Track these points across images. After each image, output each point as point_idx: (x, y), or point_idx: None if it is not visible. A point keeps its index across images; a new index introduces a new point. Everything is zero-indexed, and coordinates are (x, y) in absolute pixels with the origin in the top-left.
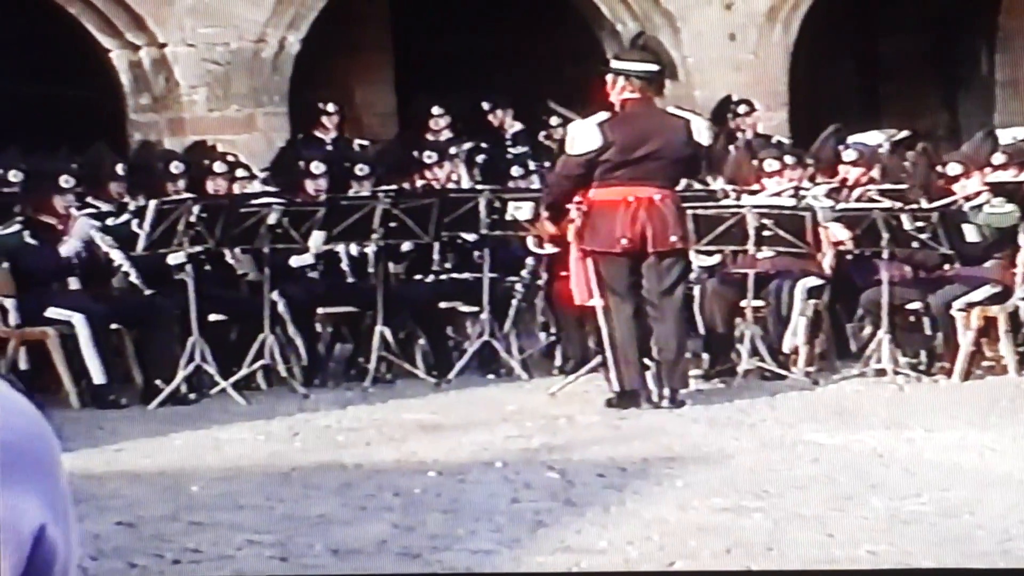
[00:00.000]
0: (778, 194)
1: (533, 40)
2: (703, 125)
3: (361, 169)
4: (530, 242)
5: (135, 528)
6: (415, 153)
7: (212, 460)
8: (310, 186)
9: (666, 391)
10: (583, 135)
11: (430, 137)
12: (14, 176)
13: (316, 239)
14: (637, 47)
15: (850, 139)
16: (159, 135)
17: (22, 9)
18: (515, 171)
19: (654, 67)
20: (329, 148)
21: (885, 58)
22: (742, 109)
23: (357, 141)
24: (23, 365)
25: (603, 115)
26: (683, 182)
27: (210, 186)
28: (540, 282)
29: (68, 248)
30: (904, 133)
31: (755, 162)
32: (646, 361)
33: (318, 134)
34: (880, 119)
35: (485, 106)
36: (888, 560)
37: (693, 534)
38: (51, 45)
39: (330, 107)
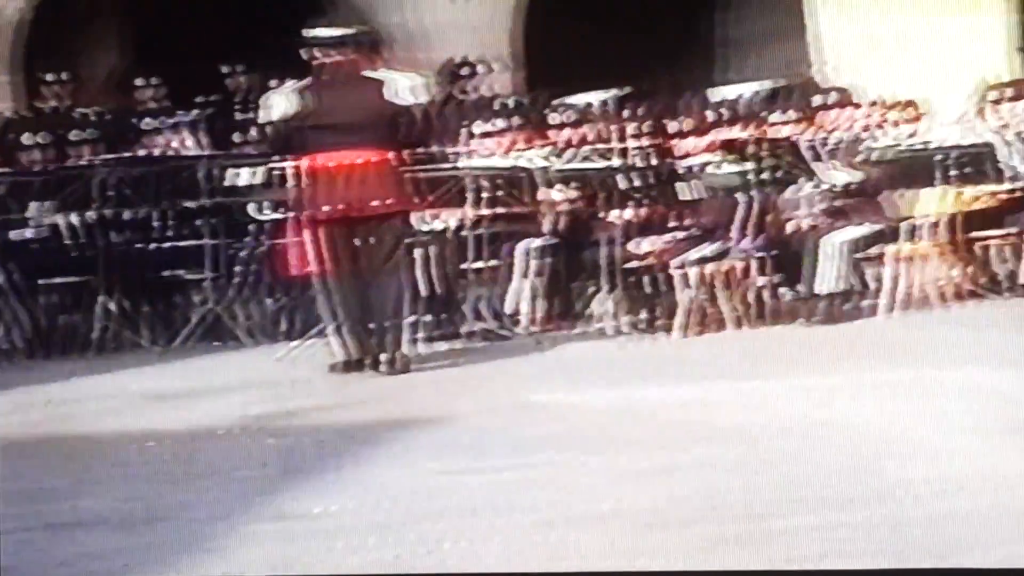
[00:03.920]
0: (490, 156)
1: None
2: (407, 84)
3: (89, 134)
4: (251, 208)
5: None
6: (134, 121)
7: None
8: (24, 159)
9: (386, 356)
10: (280, 101)
11: (152, 106)
12: None
13: (34, 210)
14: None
15: (561, 100)
16: None
17: None
18: (236, 137)
19: (343, 31)
20: (57, 118)
21: (614, 18)
22: (464, 71)
23: (80, 110)
24: None
25: (304, 81)
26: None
27: None
28: (264, 248)
29: None
30: (625, 90)
31: (465, 124)
32: (368, 327)
33: (47, 104)
34: (609, 78)
35: (224, 70)
36: (618, 514)
37: (418, 496)
38: None
39: (60, 76)
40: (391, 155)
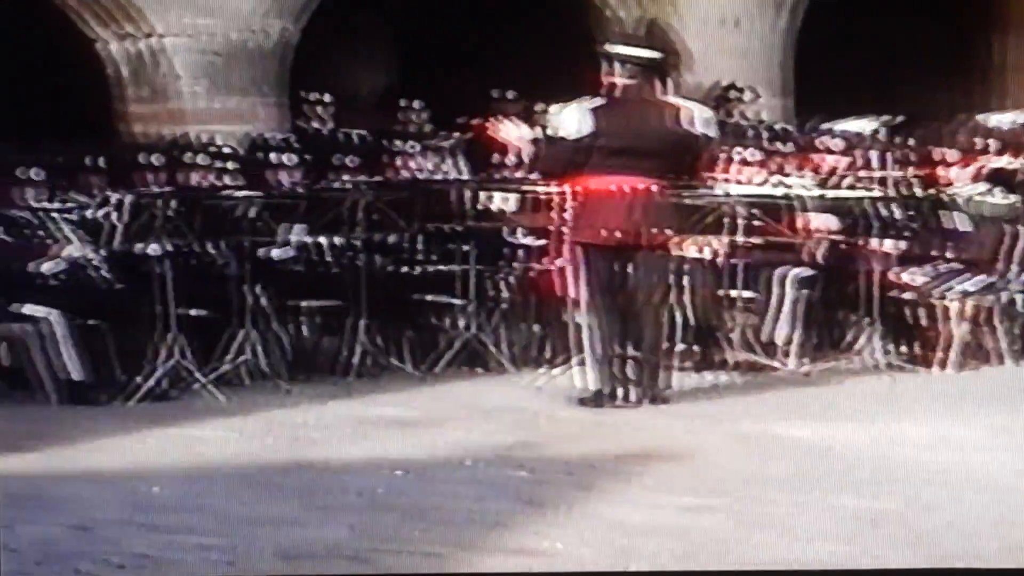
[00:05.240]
0: (756, 183)
1: (536, 27)
2: (705, 115)
3: (352, 160)
4: (511, 233)
5: (87, 532)
6: (395, 143)
7: (179, 459)
8: (281, 179)
9: (643, 390)
10: (573, 118)
11: (412, 129)
12: None
13: (297, 232)
14: (636, 33)
15: (836, 126)
16: (153, 127)
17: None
18: (495, 159)
19: (650, 54)
20: (323, 139)
21: (893, 44)
22: (732, 95)
23: (353, 132)
24: (4, 362)
25: (597, 100)
26: None
27: (192, 179)
28: (526, 273)
29: (49, 267)
30: (899, 118)
31: (727, 150)
32: (626, 359)
33: (315, 125)
34: (886, 105)
35: (494, 94)
36: (849, 561)
37: (652, 535)
38: (32, 35)
39: (324, 97)
40: (664, 184)
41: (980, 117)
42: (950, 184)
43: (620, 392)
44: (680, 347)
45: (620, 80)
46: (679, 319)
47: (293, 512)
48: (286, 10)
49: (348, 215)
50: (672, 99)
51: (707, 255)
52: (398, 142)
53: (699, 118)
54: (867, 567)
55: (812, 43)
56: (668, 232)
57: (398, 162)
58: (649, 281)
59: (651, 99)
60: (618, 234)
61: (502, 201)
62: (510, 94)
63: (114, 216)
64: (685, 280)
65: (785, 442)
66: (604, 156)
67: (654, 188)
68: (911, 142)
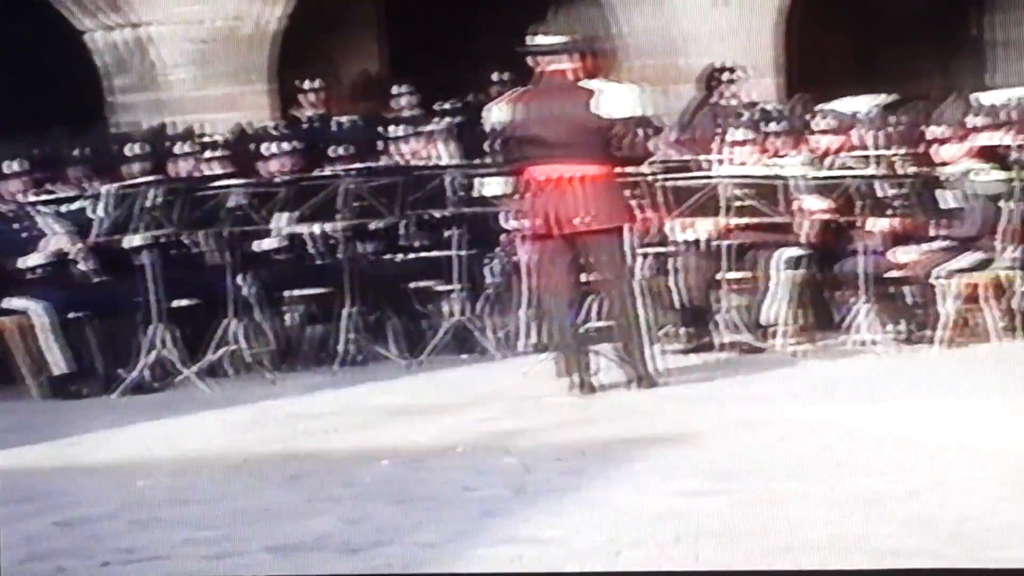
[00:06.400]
0: (744, 164)
1: (526, 15)
2: (627, 96)
3: (345, 149)
4: (502, 218)
5: (72, 528)
6: (381, 129)
7: (164, 452)
8: (267, 168)
9: (630, 375)
10: (492, 112)
11: (404, 114)
12: None
13: (280, 221)
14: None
15: (827, 106)
16: (142, 116)
17: None
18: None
19: (557, 39)
20: (311, 127)
21: (880, 21)
22: (724, 76)
23: (341, 119)
24: None
25: (518, 91)
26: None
27: (172, 169)
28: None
29: (32, 261)
30: (892, 97)
31: (718, 131)
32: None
33: (301, 113)
34: (875, 84)
35: (494, 77)
36: (846, 543)
37: (645, 520)
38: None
39: (313, 84)
40: (607, 169)
41: (972, 95)
42: (943, 163)
43: (595, 381)
44: (668, 329)
45: (543, 68)
46: (667, 301)
47: (282, 503)
48: None
49: (334, 203)
50: (593, 84)
51: (695, 237)
52: (391, 128)
53: (608, 100)
54: (867, 567)
55: (803, 21)
56: (577, 222)
57: (391, 148)
58: (605, 267)
59: (566, 85)
60: (552, 222)
61: (484, 186)
62: (506, 76)
63: (99, 207)
64: (675, 262)
65: (780, 424)
66: (523, 146)
67: (588, 174)
68: (903, 120)
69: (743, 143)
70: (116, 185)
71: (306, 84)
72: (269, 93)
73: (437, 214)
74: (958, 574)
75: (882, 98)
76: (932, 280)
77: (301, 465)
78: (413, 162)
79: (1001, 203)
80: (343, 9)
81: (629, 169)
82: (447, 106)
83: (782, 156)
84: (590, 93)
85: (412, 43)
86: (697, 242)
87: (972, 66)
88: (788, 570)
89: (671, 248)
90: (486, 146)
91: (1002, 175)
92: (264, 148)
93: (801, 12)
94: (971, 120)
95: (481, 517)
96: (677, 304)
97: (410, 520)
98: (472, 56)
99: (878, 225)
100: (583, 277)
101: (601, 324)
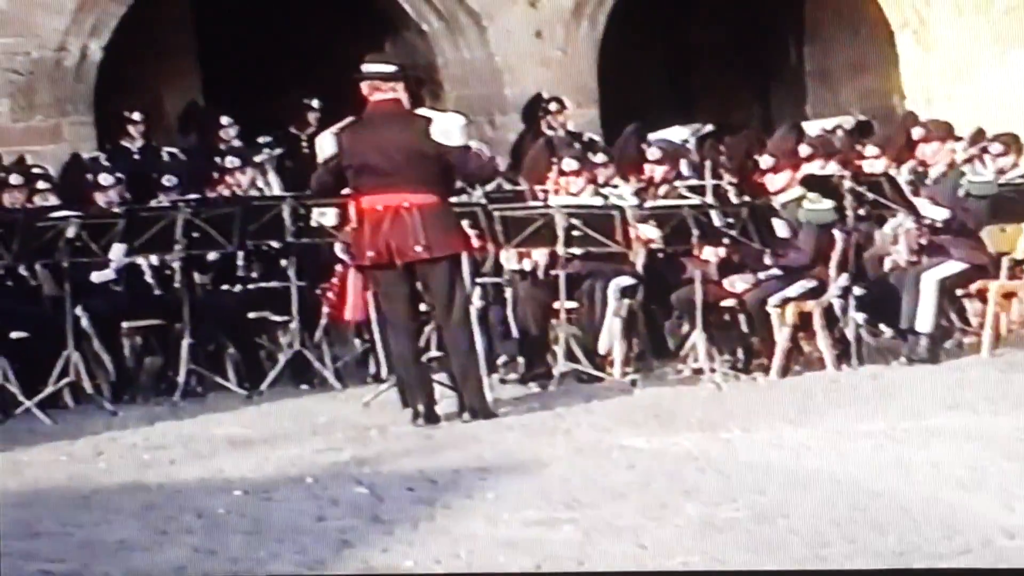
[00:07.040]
0: (577, 194)
1: (340, 40)
2: (455, 124)
3: (168, 180)
4: (338, 248)
5: None
6: (216, 160)
7: (10, 484)
8: (100, 199)
9: (466, 405)
10: (324, 142)
11: (224, 146)
12: None
13: (116, 252)
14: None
15: (652, 136)
16: None
17: None
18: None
19: (386, 68)
20: (136, 157)
21: (696, 51)
22: (553, 107)
23: (166, 149)
24: None
25: (346, 121)
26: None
27: (6, 199)
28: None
29: None
30: (708, 127)
31: (554, 161)
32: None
33: (125, 143)
34: (693, 113)
35: (314, 103)
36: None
37: (502, 550)
38: None
39: (136, 115)
40: (442, 198)
41: (792, 125)
42: (767, 191)
43: (436, 409)
44: (503, 358)
45: (372, 97)
46: (501, 330)
47: (134, 535)
48: (87, 28)
49: (171, 233)
50: (426, 112)
51: (528, 266)
52: (227, 159)
53: (442, 128)
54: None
55: (615, 52)
56: (419, 250)
57: (226, 178)
58: (437, 299)
59: (398, 114)
60: (371, 254)
61: (320, 216)
62: (315, 102)
63: None
64: (511, 292)
65: (623, 451)
66: (355, 177)
67: (404, 204)
68: (723, 149)
69: (576, 173)
70: None
71: (135, 115)
72: (87, 124)
73: (275, 244)
74: (958, 574)
75: (697, 127)
76: (767, 308)
77: (150, 496)
78: (250, 192)
79: (835, 231)
80: (160, 39)
81: (463, 198)
82: (269, 138)
83: (613, 186)
84: (427, 121)
85: (225, 70)
86: (534, 272)
87: (792, 95)
88: (788, 570)
89: (506, 278)
90: (313, 177)
91: (824, 203)
92: (97, 178)
93: (615, 42)
94: (803, 149)
95: (338, 548)
96: (515, 333)
97: (266, 551)
98: (280, 82)
99: (712, 253)
100: (423, 307)
101: (440, 354)
